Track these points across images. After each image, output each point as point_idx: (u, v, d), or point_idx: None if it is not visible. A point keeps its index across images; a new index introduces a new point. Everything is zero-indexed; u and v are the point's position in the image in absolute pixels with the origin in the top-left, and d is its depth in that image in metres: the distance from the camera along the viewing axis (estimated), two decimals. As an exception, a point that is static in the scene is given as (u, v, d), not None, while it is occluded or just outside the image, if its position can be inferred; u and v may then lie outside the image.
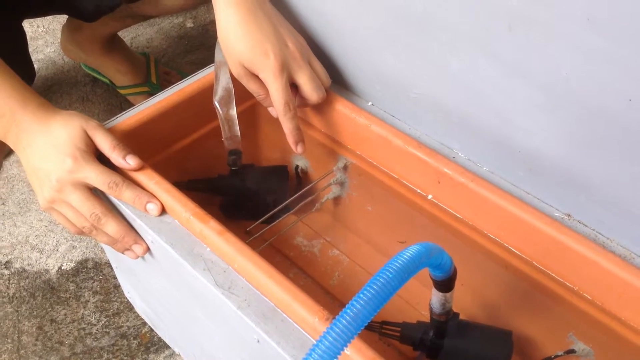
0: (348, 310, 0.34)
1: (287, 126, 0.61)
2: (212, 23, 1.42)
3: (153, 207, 0.55)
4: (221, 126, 0.66)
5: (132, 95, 1.20)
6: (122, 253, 0.59)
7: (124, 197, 0.55)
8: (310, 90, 0.61)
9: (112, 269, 0.93)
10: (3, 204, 1.05)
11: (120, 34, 1.21)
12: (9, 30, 0.95)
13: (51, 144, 0.55)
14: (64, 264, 0.95)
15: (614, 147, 0.47)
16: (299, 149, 0.63)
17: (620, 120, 0.44)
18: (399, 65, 0.60)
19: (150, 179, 0.56)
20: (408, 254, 0.38)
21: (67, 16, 1.11)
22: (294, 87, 0.62)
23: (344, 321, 0.33)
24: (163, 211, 0.55)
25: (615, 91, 0.43)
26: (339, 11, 0.61)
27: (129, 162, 0.56)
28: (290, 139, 0.62)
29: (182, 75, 1.24)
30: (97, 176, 0.55)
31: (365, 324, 0.34)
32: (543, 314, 0.58)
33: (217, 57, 0.65)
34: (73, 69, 1.29)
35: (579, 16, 0.42)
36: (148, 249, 0.58)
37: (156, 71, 1.21)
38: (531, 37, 0.46)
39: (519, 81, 0.49)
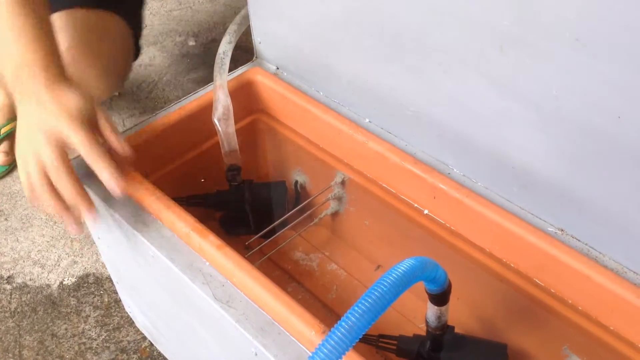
0: (343, 323, 0.35)
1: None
2: (214, 42, 1.44)
3: (114, 184, 0.53)
4: (220, 143, 0.67)
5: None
6: (70, 227, 0.55)
7: (100, 160, 0.53)
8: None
9: (112, 283, 0.93)
10: (6, 219, 1.06)
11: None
12: None
13: (60, 107, 0.54)
14: (65, 279, 0.96)
15: (604, 163, 0.48)
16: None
17: (610, 136, 0.45)
18: (396, 84, 0.61)
19: (150, 195, 0.57)
20: (402, 268, 0.38)
21: None
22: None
23: (338, 333, 0.34)
24: (124, 190, 0.54)
25: (604, 109, 0.44)
26: (338, 32, 0.63)
27: (125, 148, 0.56)
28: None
29: None
30: (83, 138, 0.53)
31: (360, 337, 0.35)
32: (538, 327, 0.58)
33: None
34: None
35: (567, 37, 0.43)
36: (96, 218, 0.56)
37: None
38: (522, 58, 0.47)
39: (511, 100, 0.51)
